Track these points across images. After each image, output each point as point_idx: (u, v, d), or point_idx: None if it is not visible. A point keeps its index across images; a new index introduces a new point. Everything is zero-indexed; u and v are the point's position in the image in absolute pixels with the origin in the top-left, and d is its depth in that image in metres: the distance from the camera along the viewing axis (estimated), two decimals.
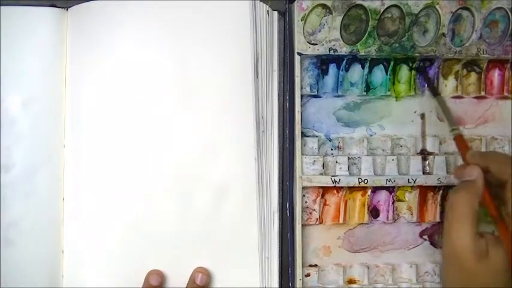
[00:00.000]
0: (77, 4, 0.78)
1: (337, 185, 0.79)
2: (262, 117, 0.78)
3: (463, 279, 0.66)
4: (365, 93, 0.81)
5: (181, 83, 0.77)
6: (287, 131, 0.79)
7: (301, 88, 0.79)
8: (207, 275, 0.75)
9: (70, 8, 0.78)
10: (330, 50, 0.79)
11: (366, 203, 0.80)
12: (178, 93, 0.77)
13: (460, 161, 0.77)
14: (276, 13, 0.79)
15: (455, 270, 0.67)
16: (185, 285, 0.76)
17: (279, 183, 0.79)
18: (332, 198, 0.80)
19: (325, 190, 0.80)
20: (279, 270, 0.78)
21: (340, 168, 0.80)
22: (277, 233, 0.78)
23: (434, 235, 0.81)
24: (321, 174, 0.79)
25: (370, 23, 0.79)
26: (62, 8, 0.78)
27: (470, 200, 0.67)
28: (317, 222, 0.79)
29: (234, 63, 0.77)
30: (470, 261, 0.65)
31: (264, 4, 0.78)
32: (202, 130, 0.77)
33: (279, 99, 0.79)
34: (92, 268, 0.76)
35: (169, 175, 0.77)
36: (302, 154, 0.79)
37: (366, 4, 0.79)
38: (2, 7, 0.76)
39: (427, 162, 0.81)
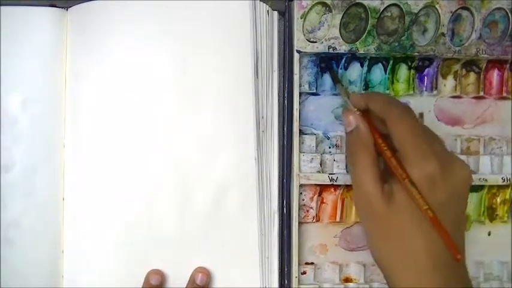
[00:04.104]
0: (77, 4, 0.77)
1: (335, 183, 0.78)
2: (262, 117, 0.77)
3: (377, 226, 0.66)
4: (364, 91, 0.80)
5: (181, 83, 0.76)
6: (285, 129, 0.78)
7: (300, 86, 0.78)
8: (207, 275, 0.75)
9: (70, 8, 0.77)
10: (329, 48, 0.78)
11: None
12: (178, 93, 0.76)
13: None
14: (276, 13, 0.78)
15: (369, 219, 0.67)
16: (185, 285, 0.75)
17: (279, 183, 0.78)
18: (329, 196, 0.79)
19: (322, 188, 0.79)
20: (279, 270, 0.77)
21: (338, 166, 0.79)
22: (277, 233, 0.77)
23: None
24: (319, 172, 0.78)
25: (369, 22, 0.78)
26: (62, 8, 0.77)
27: (362, 147, 0.68)
28: (314, 220, 0.79)
29: (234, 63, 0.76)
30: (380, 206, 0.65)
31: (264, 4, 0.77)
32: (202, 130, 0.76)
33: (279, 99, 0.78)
34: (92, 268, 0.76)
35: (169, 175, 0.76)
36: (300, 152, 0.78)
37: (365, 3, 0.77)
38: (2, 7, 0.75)
39: None
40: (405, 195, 0.65)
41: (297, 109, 0.77)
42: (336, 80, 0.78)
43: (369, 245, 0.69)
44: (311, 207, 0.79)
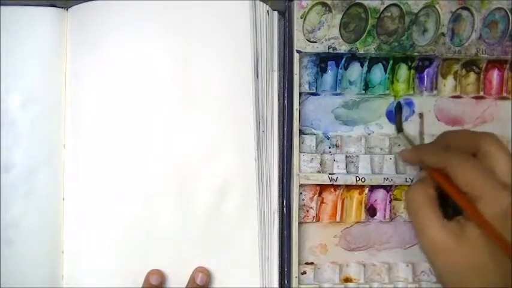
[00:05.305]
0: (77, 4, 0.77)
1: (335, 183, 0.78)
2: (262, 117, 0.77)
3: (450, 265, 0.65)
4: (364, 91, 0.80)
5: (182, 83, 0.76)
6: (285, 129, 0.78)
7: (300, 86, 0.78)
8: (207, 274, 0.75)
9: (70, 8, 0.77)
10: (329, 48, 0.77)
11: (363, 202, 0.79)
12: (178, 93, 0.76)
13: None
14: (276, 13, 0.78)
15: (440, 260, 0.66)
16: (185, 285, 0.75)
17: (279, 183, 0.78)
18: (329, 196, 0.79)
19: (322, 188, 0.79)
20: (279, 270, 0.77)
21: (338, 166, 0.79)
22: (277, 233, 0.77)
23: None
24: (319, 172, 0.78)
25: (369, 22, 0.78)
26: (62, 8, 0.77)
27: (421, 189, 0.67)
28: (314, 220, 0.79)
29: (234, 63, 0.76)
30: (449, 245, 0.64)
31: (264, 4, 0.77)
32: (203, 130, 0.76)
33: (279, 99, 0.78)
34: (92, 268, 0.75)
35: (169, 175, 0.76)
36: (300, 152, 0.78)
37: (365, 3, 0.77)
38: (2, 7, 0.75)
39: None
40: (477, 231, 0.64)
41: (297, 109, 0.77)
42: (400, 128, 0.80)
43: (440, 279, 0.68)
44: (311, 207, 0.78)
